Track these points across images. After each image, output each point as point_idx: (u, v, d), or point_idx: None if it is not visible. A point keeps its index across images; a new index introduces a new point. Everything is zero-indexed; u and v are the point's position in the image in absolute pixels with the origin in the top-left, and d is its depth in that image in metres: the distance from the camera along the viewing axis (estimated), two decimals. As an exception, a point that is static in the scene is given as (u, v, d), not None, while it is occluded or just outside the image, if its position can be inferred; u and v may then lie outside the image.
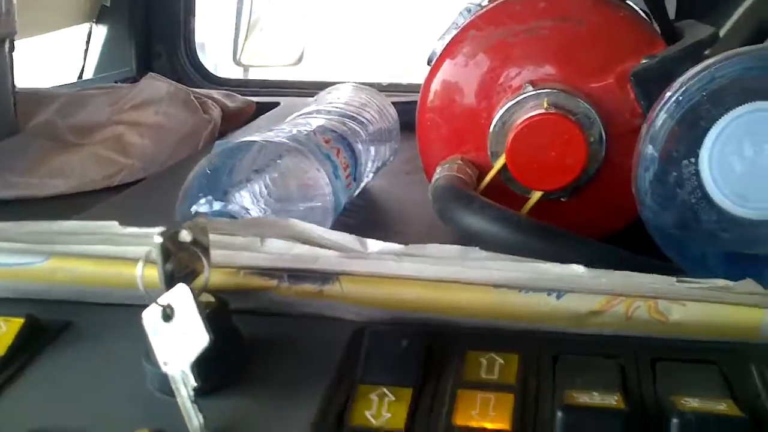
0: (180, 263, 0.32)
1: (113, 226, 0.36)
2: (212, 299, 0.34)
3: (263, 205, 0.53)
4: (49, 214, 0.68)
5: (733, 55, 0.39)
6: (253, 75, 1.49)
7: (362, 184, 0.67)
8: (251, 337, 0.35)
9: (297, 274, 0.35)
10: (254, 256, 0.36)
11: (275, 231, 0.37)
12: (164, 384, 0.31)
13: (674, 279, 0.32)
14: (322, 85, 1.22)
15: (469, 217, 0.48)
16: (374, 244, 0.35)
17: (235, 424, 0.31)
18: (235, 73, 1.45)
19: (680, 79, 0.41)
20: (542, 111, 0.50)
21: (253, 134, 0.60)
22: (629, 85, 0.52)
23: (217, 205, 0.52)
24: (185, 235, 0.32)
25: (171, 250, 0.32)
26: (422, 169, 0.60)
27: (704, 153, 0.38)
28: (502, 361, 0.32)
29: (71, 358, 0.36)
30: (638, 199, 0.45)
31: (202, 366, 0.31)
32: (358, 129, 0.65)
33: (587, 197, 0.53)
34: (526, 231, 0.46)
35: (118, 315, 0.38)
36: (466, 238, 0.49)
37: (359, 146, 0.63)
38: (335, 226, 0.58)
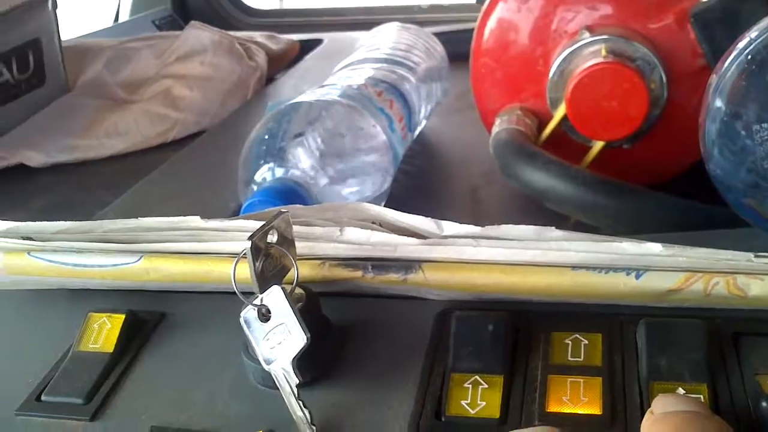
0: (269, 261, 0.34)
1: (194, 220, 0.38)
2: (302, 291, 0.36)
3: (320, 161, 0.53)
4: (111, 176, 0.70)
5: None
6: (288, 4, 1.46)
7: (416, 132, 0.67)
8: (338, 322, 0.37)
9: (380, 264, 0.36)
10: (335, 247, 0.37)
11: (349, 214, 0.38)
12: (267, 379, 0.33)
13: (752, 255, 0.33)
14: (362, 11, 1.20)
15: (533, 173, 0.49)
16: (449, 227, 0.36)
17: (336, 415, 0.33)
18: (270, 3, 1.44)
19: (756, 27, 0.39)
20: (600, 60, 0.50)
21: (305, 91, 0.60)
22: (689, 25, 0.51)
23: (279, 171, 0.53)
24: (272, 234, 0.33)
25: (261, 249, 0.33)
26: (473, 105, 0.60)
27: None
28: (586, 342, 0.33)
29: (172, 351, 0.38)
30: (704, 150, 0.44)
31: (301, 361, 0.33)
32: (408, 75, 0.65)
33: (649, 142, 0.53)
34: (593, 188, 0.46)
35: (210, 303, 0.40)
36: (530, 194, 0.50)
37: (412, 95, 0.63)
38: (396, 177, 0.59)
